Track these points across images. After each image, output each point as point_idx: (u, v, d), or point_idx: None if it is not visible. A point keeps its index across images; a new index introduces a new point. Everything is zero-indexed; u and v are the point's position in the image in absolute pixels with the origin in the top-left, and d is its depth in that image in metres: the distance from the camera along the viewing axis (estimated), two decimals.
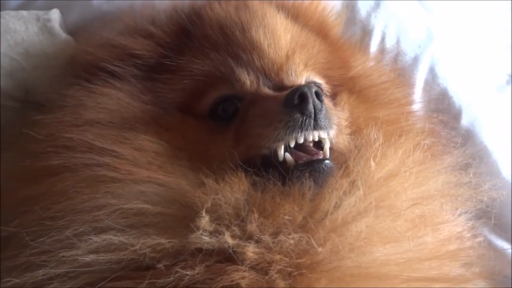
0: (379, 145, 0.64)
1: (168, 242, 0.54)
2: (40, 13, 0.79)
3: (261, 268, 0.53)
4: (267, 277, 0.52)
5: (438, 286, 0.61)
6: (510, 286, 0.82)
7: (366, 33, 0.96)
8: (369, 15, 0.97)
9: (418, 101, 0.93)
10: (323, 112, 0.61)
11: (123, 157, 0.60)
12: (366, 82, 0.80)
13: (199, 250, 0.54)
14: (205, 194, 0.57)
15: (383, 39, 0.96)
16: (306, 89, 0.60)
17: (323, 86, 0.73)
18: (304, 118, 0.60)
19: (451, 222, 0.68)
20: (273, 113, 0.61)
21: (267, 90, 0.66)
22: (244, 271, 0.52)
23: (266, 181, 0.58)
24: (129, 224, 0.56)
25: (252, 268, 0.53)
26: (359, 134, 0.68)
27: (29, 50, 0.75)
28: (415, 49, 0.96)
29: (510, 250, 0.86)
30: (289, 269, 0.53)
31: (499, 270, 0.78)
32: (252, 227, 0.55)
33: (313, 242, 0.54)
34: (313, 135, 0.61)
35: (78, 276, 0.54)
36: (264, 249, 0.54)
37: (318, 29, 0.80)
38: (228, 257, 0.54)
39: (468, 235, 0.72)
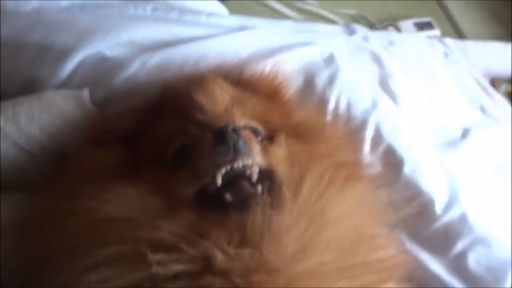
0: (302, 173, 0.79)
1: (140, 274, 0.64)
2: (75, 92, 1.02)
3: (225, 275, 0.64)
4: (232, 280, 0.64)
5: None
6: None
7: (323, 102, 1.16)
8: (324, 89, 1.17)
9: (367, 155, 1.10)
10: (241, 141, 0.74)
11: (109, 201, 0.74)
12: (304, 127, 0.94)
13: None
14: (154, 231, 0.67)
15: (336, 107, 1.15)
16: (223, 127, 0.75)
17: (259, 128, 0.87)
18: (226, 148, 0.73)
19: (384, 238, 0.80)
20: (206, 148, 0.75)
21: (208, 134, 0.80)
22: (214, 277, 0.64)
23: (210, 213, 0.70)
24: (112, 261, 0.66)
25: (219, 275, 0.63)
26: (296, 167, 0.82)
27: (68, 119, 0.96)
28: (362, 114, 1.15)
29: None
30: (248, 275, 0.63)
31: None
32: (204, 247, 0.65)
33: (262, 252, 0.64)
34: (238, 162, 0.73)
35: None
36: (229, 259, 0.65)
37: (266, 93, 0.98)
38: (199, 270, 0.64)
39: (397, 249, 0.82)
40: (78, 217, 0.74)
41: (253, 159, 0.77)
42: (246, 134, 0.80)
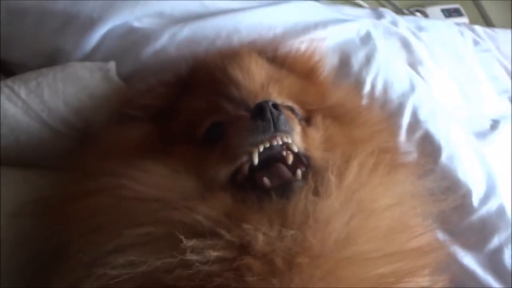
0: (345, 157, 0.75)
1: (172, 260, 0.61)
2: (101, 64, 0.97)
3: (265, 257, 0.62)
4: (272, 263, 0.61)
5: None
6: None
7: (359, 83, 1.11)
8: (360, 69, 1.13)
9: (403, 142, 1.05)
10: (282, 118, 0.71)
11: (137, 180, 0.71)
12: (341, 109, 0.91)
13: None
14: (188, 214, 0.65)
15: (372, 89, 1.11)
16: (263, 102, 0.71)
17: (296, 109, 0.85)
18: (265, 124, 0.70)
19: (422, 227, 0.76)
20: (243, 126, 0.72)
21: (244, 112, 0.78)
22: (253, 259, 0.61)
23: (247, 196, 0.68)
24: (141, 243, 0.64)
25: (258, 257, 0.61)
26: (335, 151, 0.79)
27: (93, 93, 0.92)
28: (400, 97, 1.10)
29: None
30: (289, 257, 0.61)
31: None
32: (242, 232, 0.63)
33: (306, 237, 0.63)
34: (277, 140, 0.71)
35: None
36: (270, 242, 0.62)
37: (302, 71, 0.94)
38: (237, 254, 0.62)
39: (438, 244, 0.81)
40: (105, 195, 0.71)
41: (293, 138, 0.74)
42: (287, 112, 0.77)
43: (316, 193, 0.69)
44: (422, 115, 1.09)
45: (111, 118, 0.90)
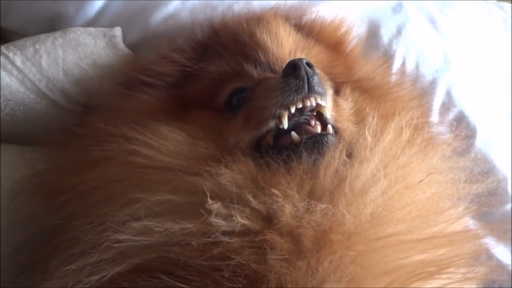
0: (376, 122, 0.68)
1: (193, 226, 0.56)
2: (106, 30, 0.87)
3: (291, 234, 0.55)
4: (300, 244, 0.55)
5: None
6: None
7: (388, 57, 1.00)
8: (391, 41, 1.02)
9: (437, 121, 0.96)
10: (316, 78, 0.65)
11: (151, 146, 0.65)
12: (369, 83, 0.84)
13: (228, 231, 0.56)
14: (211, 179, 0.59)
15: (403, 63, 1.01)
16: (297, 60, 0.66)
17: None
18: (298, 82, 0.64)
19: (457, 212, 0.69)
20: (273, 86, 0.66)
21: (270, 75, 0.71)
22: (277, 236, 0.55)
23: (272, 160, 0.61)
24: (158, 212, 0.59)
25: (283, 234, 0.55)
26: (364, 123, 0.71)
27: (96, 61, 0.82)
28: (433, 73, 1.01)
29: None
30: (318, 234, 0.55)
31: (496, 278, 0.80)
32: (274, 200, 0.57)
33: (338, 209, 0.56)
34: (310, 101, 0.65)
35: (122, 260, 0.56)
36: (298, 215, 0.56)
37: (329, 42, 0.86)
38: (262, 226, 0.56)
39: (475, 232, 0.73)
40: (115, 163, 0.64)
41: (326, 102, 0.67)
42: (320, 72, 0.70)
43: (349, 155, 0.62)
44: (457, 94, 1.00)
45: (123, 86, 0.81)
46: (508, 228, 0.90)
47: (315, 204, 0.56)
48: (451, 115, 0.98)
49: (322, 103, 0.66)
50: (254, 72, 0.73)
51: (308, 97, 0.65)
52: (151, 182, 0.61)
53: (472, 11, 1.42)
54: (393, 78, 0.96)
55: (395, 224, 0.59)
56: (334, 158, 0.61)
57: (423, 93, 0.98)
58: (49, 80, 0.81)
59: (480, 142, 0.96)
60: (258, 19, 0.81)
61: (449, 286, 0.59)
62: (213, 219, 0.55)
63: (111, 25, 0.91)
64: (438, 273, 0.59)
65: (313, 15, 0.90)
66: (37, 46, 0.81)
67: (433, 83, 1.00)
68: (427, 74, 1.01)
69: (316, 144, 0.63)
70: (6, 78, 0.80)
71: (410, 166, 0.65)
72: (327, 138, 0.64)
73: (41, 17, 0.95)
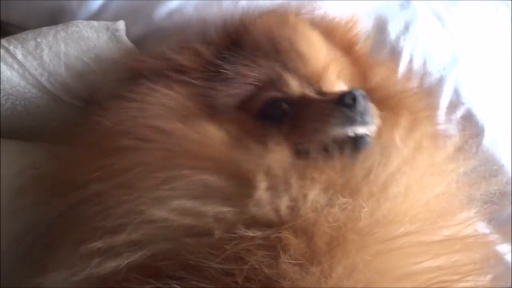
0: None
1: (228, 211, 0.55)
2: (108, 23, 0.84)
3: (307, 233, 0.54)
4: (313, 244, 0.53)
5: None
6: None
7: (395, 54, 0.98)
8: (398, 38, 0.99)
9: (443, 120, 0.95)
10: (369, 110, 0.67)
11: (187, 138, 0.63)
12: (383, 92, 0.82)
13: (255, 220, 0.55)
14: (257, 159, 0.59)
15: (411, 60, 0.98)
16: (357, 92, 0.66)
17: None
18: (355, 115, 0.65)
19: (466, 212, 0.68)
20: (326, 111, 0.66)
21: (313, 94, 0.71)
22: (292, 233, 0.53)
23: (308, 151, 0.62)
24: (197, 194, 0.57)
25: (298, 232, 0.54)
26: (379, 136, 0.71)
27: (99, 55, 0.80)
28: (440, 70, 0.98)
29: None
30: (333, 233, 0.54)
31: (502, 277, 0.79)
32: (303, 190, 0.56)
33: (356, 205, 0.55)
34: (361, 130, 0.66)
35: (144, 246, 0.55)
36: (317, 209, 0.55)
37: (344, 46, 0.84)
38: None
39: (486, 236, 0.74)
40: (151, 151, 0.62)
41: (372, 130, 0.68)
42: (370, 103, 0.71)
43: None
44: (465, 92, 0.98)
45: (138, 77, 0.76)
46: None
47: (337, 198, 0.56)
48: (459, 113, 0.96)
49: (369, 132, 0.68)
50: (293, 84, 0.72)
51: (360, 127, 0.66)
52: (193, 159, 0.61)
53: (478, 8, 1.40)
54: (403, 82, 0.94)
55: (406, 225, 0.58)
56: (370, 157, 0.62)
57: (429, 89, 0.96)
58: (51, 74, 0.78)
59: (488, 141, 0.93)
60: (288, 22, 0.79)
61: None
62: (254, 206, 0.55)
63: (115, 19, 0.88)
64: (459, 280, 0.57)
65: (321, 14, 0.87)
66: (38, 40, 0.79)
67: (440, 81, 0.98)
68: (435, 71, 0.98)
69: (359, 143, 0.65)
70: (7, 72, 0.77)
71: (425, 169, 0.65)
72: (367, 138, 0.66)
73: (43, 10, 0.93)
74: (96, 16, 0.91)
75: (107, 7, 0.91)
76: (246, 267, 0.51)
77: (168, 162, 0.60)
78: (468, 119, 0.95)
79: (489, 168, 0.89)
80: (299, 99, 0.71)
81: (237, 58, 0.75)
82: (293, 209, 0.55)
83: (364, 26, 0.96)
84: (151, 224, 0.55)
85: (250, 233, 0.53)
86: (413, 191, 0.61)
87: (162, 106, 0.69)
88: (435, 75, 0.98)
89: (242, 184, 0.57)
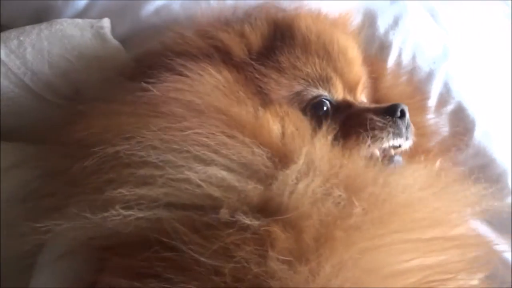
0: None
1: (256, 190, 0.55)
2: (93, 21, 0.83)
3: (295, 228, 0.53)
4: (301, 240, 0.52)
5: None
6: None
7: (384, 49, 0.98)
8: (387, 32, 0.99)
9: (433, 113, 0.94)
10: (410, 125, 0.73)
11: (245, 121, 0.63)
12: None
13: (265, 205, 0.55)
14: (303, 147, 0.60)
15: (400, 55, 0.97)
16: (404, 107, 0.72)
17: None
18: (402, 128, 0.71)
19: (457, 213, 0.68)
20: (377, 120, 0.71)
21: (354, 101, 0.76)
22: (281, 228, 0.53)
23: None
24: (235, 168, 0.58)
25: (287, 226, 0.53)
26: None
27: (83, 53, 0.79)
28: (430, 64, 0.97)
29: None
30: (321, 229, 0.53)
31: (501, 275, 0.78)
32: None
33: (350, 204, 0.55)
34: (404, 143, 0.72)
35: (165, 205, 0.55)
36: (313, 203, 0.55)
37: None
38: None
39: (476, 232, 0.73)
40: (204, 117, 0.62)
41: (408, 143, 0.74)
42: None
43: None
44: (455, 85, 0.96)
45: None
46: (507, 221, 0.85)
47: (333, 190, 0.56)
48: (449, 107, 0.95)
49: (406, 145, 0.74)
50: (340, 87, 0.76)
51: (404, 141, 0.72)
52: (247, 138, 0.61)
53: (472, 3, 1.39)
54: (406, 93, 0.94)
55: (397, 221, 0.57)
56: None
57: (418, 83, 0.95)
58: (34, 73, 0.77)
59: (479, 134, 0.92)
60: (342, 29, 0.84)
61: None
62: (278, 185, 0.55)
63: (101, 17, 0.88)
64: (447, 280, 0.56)
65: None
66: (21, 38, 0.78)
67: (430, 75, 0.97)
68: (424, 65, 0.97)
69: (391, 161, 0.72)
70: None
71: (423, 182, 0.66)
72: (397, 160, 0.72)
73: (30, 10, 0.92)
74: (82, 14, 0.90)
75: (93, 6, 0.90)
76: (233, 265, 0.50)
77: (220, 131, 0.60)
78: (459, 113, 0.94)
79: (480, 161, 0.90)
80: (341, 102, 0.75)
81: (291, 50, 0.76)
82: (298, 197, 0.55)
83: (354, 20, 0.96)
84: (181, 184, 0.55)
85: (247, 221, 0.53)
86: (411, 192, 0.62)
87: (211, 85, 0.68)
88: (424, 69, 0.97)
89: (281, 164, 0.58)
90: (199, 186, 0.55)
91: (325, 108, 0.74)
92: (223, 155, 0.58)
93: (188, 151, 0.57)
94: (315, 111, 0.73)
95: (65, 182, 0.62)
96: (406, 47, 0.98)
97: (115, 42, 0.84)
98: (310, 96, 0.73)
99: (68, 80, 0.79)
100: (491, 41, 1.24)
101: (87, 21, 0.84)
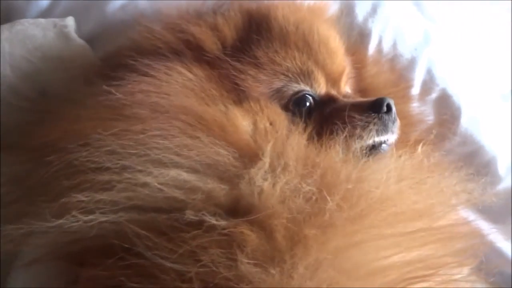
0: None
1: (221, 190, 0.54)
2: (56, 20, 0.81)
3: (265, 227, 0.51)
4: (272, 239, 0.50)
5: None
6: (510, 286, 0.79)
7: (364, 36, 0.95)
8: (366, 20, 0.96)
9: (417, 101, 0.91)
10: (396, 119, 0.71)
11: (213, 120, 0.61)
12: (373, 92, 0.83)
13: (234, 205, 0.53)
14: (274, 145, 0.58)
15: (380, 42, 0.94)
16: (390, 101, 0.70)
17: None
18: (388, 122, 0.69)
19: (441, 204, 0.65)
20: (360, 114, 0.69)
21: (337, 94, 0.74)
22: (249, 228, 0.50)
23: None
24: (199, 168, 0.56)
25: (255, 225, 0.51)
26: None
27: (46, 54, 0.76)
28: (412, 51, 0.95)
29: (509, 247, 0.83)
30: (293, 228, 0.51)
31: (495, 266, 0.76)
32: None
33: (323, 199, 0.53)
34: (391, 137, 0.70)
35: (126, 208, 0.53)
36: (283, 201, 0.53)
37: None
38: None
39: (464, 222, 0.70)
40: (169, 117, 0.60)
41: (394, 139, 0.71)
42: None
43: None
44: (438, 72, 0.94)
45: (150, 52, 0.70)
46: (498, 209, 0.82)
47: (301, 185, 0.54)
48: (434, 95, 0.92)
49: (391, 140, 0.71)
50: (322, 81, 0.74)
51: (389, 136, 0.70)
52: (213, 138, 0.59)
53: None
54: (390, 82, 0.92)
55: (374, 216, 0.54)
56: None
57: (400, 71, 0.93)
58: None
59: (465, 121, 0.90)
60: (322, 19, 0.81)
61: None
62: (245, 184, 0.53)
63: (66, 15, 0.85)
64: (429, 276, 0.54)
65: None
66: None
67: (412, 62, 0.94)
68: (406, 52, 0.95)
69: (375, 148, 0.69)
70: None
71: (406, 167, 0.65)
72: (386, 146, 0.70)
73: None
74: (46, 14, 0.87)
75: (57, 4, 0.88)
76: (201, 269, 0.47)
77: (182, 132, 0.58)
78: (444, 100, 0.92)
79: (468, 149, 0.88)
80: (324, 97, 0.73)
81: (269, 44, 0.73)
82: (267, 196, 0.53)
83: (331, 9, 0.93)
84: (141, 189, 0.53)
85: (213, 221, 0.50)
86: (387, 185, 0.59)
87: (179, 85, 0.65)
88: (406, 56, 0.94)
89: (249, 162, 0.56)
90: (160, 190, 0.53)
91: (307, 104, 0.72)
92: (185, 156, 0.55)
93: (147, 155, 0.55)
94: (297, 107, 0.71)
95: (28, 188, 0.60)
96: (386, 34, 0.95)
97: (80, 41, 0.81)
98: (291, 92, 0.72)
99: (32, 82, 0.76)
100: (474, 26, 1.22)
101: (50, 21, 0.81)
